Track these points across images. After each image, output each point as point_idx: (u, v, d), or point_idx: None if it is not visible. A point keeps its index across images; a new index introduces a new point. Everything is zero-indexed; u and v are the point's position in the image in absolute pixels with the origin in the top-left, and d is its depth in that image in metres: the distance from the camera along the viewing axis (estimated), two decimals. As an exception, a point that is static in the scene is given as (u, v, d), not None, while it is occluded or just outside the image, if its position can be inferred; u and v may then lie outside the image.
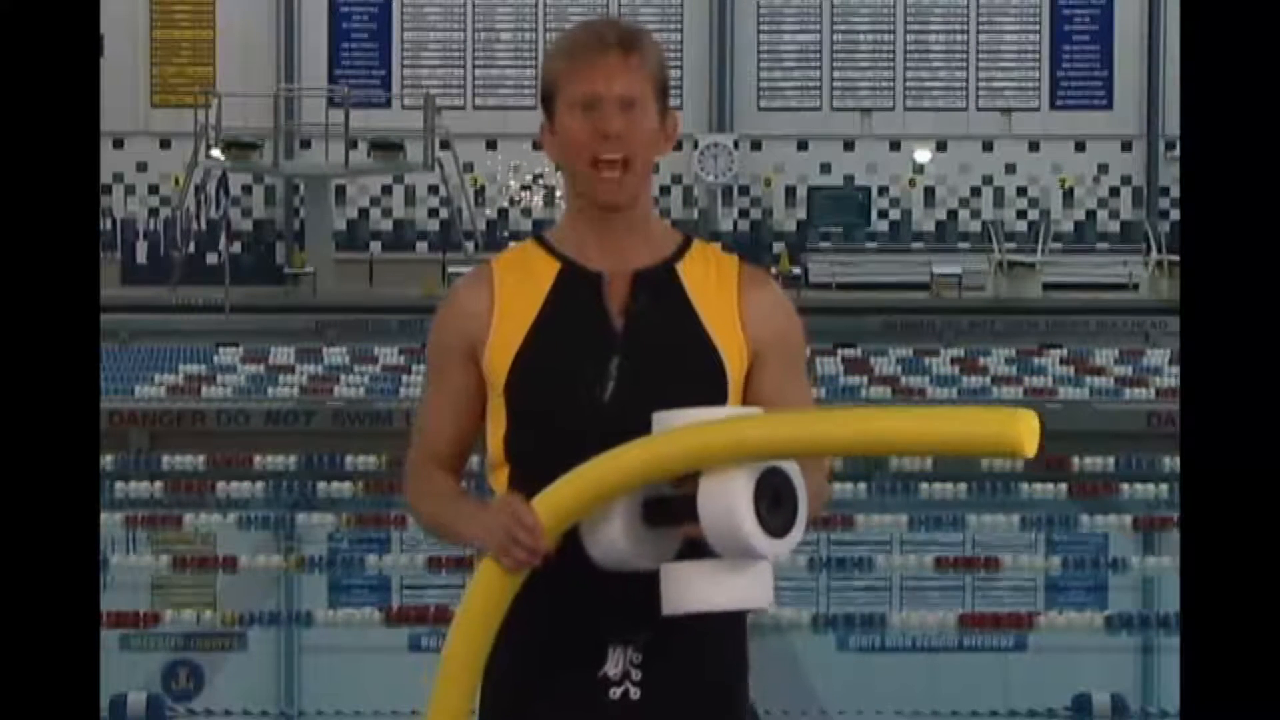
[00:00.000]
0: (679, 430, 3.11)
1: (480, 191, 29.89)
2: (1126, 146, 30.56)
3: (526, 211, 30.10)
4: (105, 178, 28.88)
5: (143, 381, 16.27)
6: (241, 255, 28.66)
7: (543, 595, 3.23)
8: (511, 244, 3.79)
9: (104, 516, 8.40)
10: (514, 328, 3.30)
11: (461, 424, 3.37)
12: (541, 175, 29.57)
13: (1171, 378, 16.55)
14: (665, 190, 29.64)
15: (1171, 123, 28.97)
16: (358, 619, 9.20)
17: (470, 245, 28.05)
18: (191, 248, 27.18)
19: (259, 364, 17.43)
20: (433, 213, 30.18)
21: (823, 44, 30.57)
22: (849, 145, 30.48)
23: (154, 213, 29.53)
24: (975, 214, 30.37)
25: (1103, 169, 30.57)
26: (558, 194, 28.26)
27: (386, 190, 30.22)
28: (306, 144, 29.38)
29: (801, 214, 30.38)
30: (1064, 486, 12.95)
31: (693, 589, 3.12)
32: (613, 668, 3.27)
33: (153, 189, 29.88)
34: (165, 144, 29.46)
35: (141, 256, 28.72)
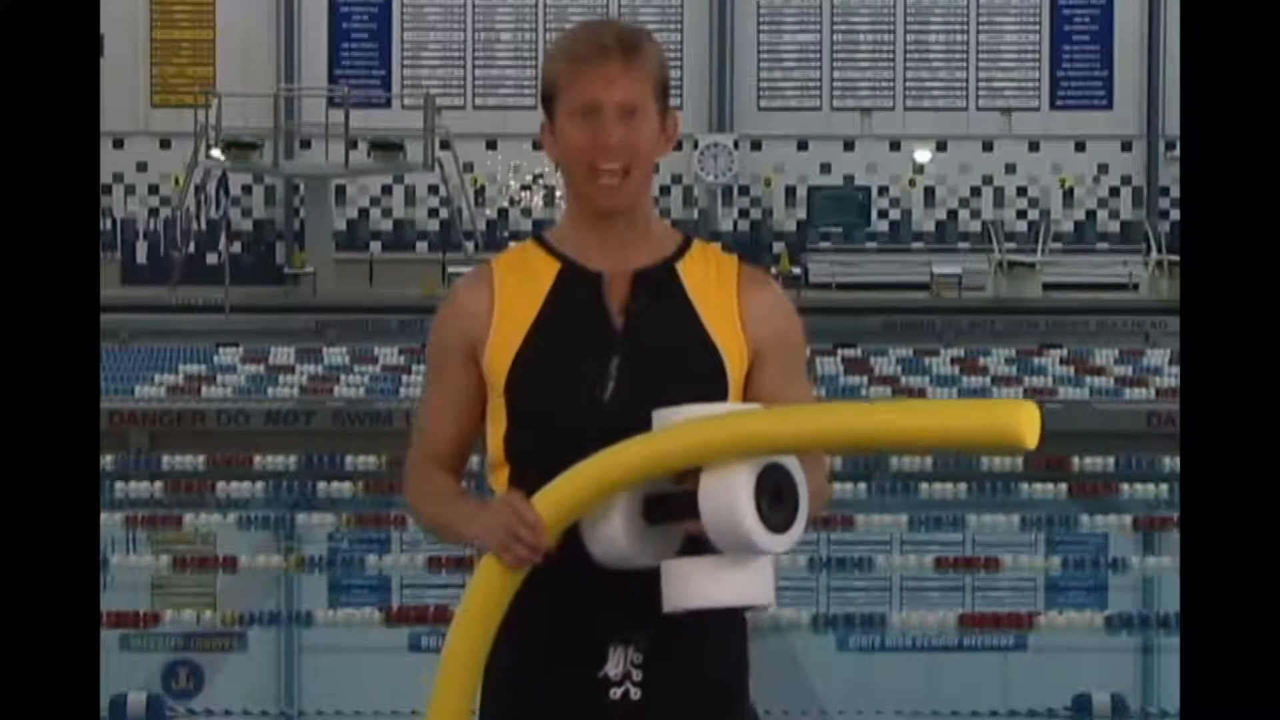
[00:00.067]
0: (679, 426, 3.11)
1: (480, 191, 29.88)
2: (1126, 146, 30.55)
3: (526, 211, 30.09)
4: (105, 178, 28.88)
5: (143, 381, 16.26)
6: (241, 255, 28.65)
7: (543, 594, 3.23)
8: (511, 244, 3.79)
9: (104, 516, 8.40)
10: (514, 328, 3.29)
11: (462, 424, 3.37)
12: (541, 175, 29.56)
13: (1171, 378, 16.54)
14: (665, 190, 29.64)
15: (1171, 123, 28.96)
16: (358, 619, 9.20)
17: (470, 245, 28.04)
18: (191, 248, 27.16)
19: (259, 364, 17.41)
20: (433, 213, 30.17)
21: (823, 44, 30.56)
22: (849, 145, 30.47)
23: (154, 213, 29.52)
24: (975, 214, 30.36)
25: (1103, 169, 30.56)
26: (558, 194, 28.24)
27: (386, 190, 30.22)
28: (306, 144, 29.38)
29: (801, 214, 30.37)
30: (1064, 486, 12.94)
31: (694, 586, 3.11)
32: (613, 668, 3.27)
33: (153, 189, 29.88)
34: (165, 144, 29.45)
35: (141, 256, 28.70)
